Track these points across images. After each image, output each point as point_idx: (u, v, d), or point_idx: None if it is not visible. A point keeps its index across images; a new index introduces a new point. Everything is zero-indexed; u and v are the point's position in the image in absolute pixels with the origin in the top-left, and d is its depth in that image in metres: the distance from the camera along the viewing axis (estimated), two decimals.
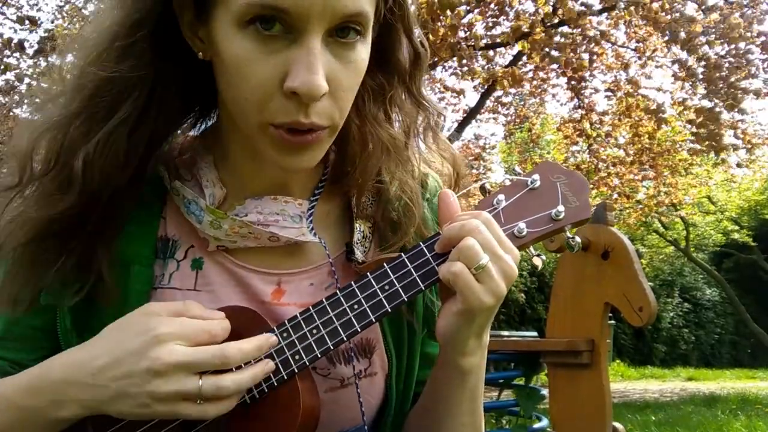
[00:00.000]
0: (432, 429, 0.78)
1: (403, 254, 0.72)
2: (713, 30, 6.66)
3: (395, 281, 0.71)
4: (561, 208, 0.74)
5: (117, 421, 0.69)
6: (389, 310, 0.70)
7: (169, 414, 0.65)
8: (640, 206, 11.40)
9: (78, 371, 0.66)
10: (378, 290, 0.70)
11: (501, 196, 0.75)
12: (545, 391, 3.47)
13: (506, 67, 7.68)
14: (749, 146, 8.80)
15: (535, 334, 6.45)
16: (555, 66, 7.74)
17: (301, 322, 0.71)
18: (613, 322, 11.07)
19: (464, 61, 6.51)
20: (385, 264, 0.71)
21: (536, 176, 0.75)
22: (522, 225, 0.73)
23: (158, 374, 0.63)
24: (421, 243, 0.72)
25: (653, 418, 7.36)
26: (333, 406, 0.76)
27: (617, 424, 3.01)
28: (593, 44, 7.45)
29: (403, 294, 0.70)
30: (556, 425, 3.18)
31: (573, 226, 0.74)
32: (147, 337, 0.65)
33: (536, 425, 3.97)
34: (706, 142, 7.55)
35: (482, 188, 0.77)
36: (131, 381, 0.64)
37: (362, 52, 0.70)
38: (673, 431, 6.55)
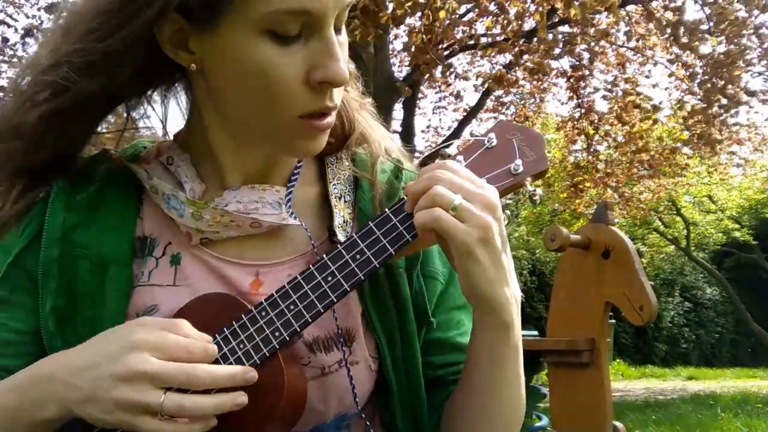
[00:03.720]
0: (481, 395, 0.77)
1: (370, 222, 0.73)
2: (711, 24, 6.66)
3: (365, 249, 0.72)
4: (518, 162, 0.76)
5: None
6: (362, 277, 0.71)
7: (130, 425, 0.64)
8: (641, 205, 11.42)
9: (60, 369, 0.67)
10: (349, 259, 0.72)
11: (460, 158, 0.77)
12: (545, 390, 3.47)
13: (505, 67, 7.67)
14: (743, 143, 8.83)
15: (535, 333, 6.45)
16: (555, 66, 7.74)
17: (278, 299, 0.72)
18: (613, 321, 11.09)
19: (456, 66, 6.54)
20: (354, 234, 0.73)
21: (492, 135, 0.78)
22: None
23: (124, 380, 0.63)
24: (387, 209, 0.74)
25: (653, 417, 7.36)
26: (316, 395, 0.76)
27: (618, 423, 3.00)
28: (593, 42, 7.45)
29: (374, 260, 0.71)
30: (556, 424, 3.17)
31: (533, 178, 0.76)
32: (123, 342, 0.65)
33: (537, 424, 3.97)
34: (699, 140, 7.57)
35: (442, 153, 0.78)
36: (100, 384, 0.64)
37: (345, 32, 0.75)
38: (673, 430, 6.55)
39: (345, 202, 0.84)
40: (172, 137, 0.89)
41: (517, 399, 0.78)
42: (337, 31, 0.72)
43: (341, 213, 0.82)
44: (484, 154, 0.77)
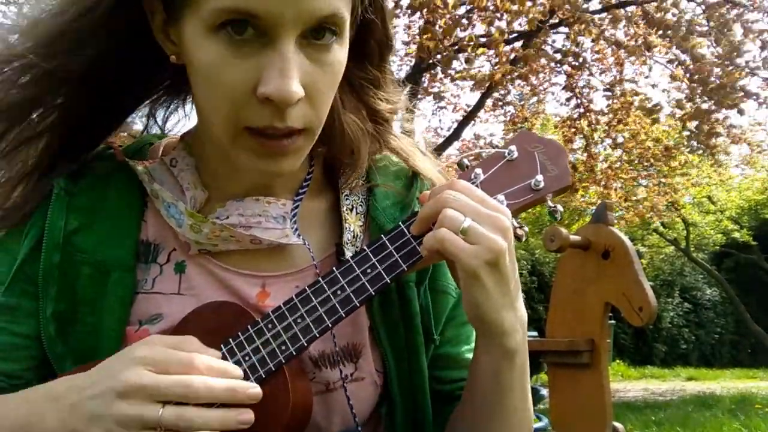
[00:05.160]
0: (484, 419, 0.75)
1: (383, 236, 0.71)
2: (709, 30, 6.65)
3: (377, 264, 0.70)
4: (540, 177, 0.73)
5: None
6: (372, 293, 0.69)
7: None
8: (641, 206, 11.42)
9: (68, 391, 0.65)
10: (360, 274, 0.69)
11: (478, 170, 0.74)
12: (545, 391, 3.46)
13: (512, 63, 7.65)
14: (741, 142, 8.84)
15: (535, 334, 6.43)
16: (553, 64, 7.74)
17: (285, 312, 0.70)
18: (613, 321, 11.09)
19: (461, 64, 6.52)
20: (366, 247, 0.71)
21: (513, 147, 0.74)
22: (501, 197, 0.72)
23: (121, 395, 0.61)
24: (400, 223, 0.71)
25: (653, 417, 7.36)
26: (320, 410, 0.75)
27: (617, 424, 3.00)
28: (593, 43, 7.45)
29: (385, 276, 0.69)
30: (556, 425, 3.17)
31: (554, 194, 0.73)
32: (123, 359, 0.63)
33: (536, 425, 3.97)
34: (700, 140, 7.56)
35: (460, 164, 0.76)
36: (100, 402, 0.62)
37: (339, 53, 0.68)
38: (673, 431, 6.55)
39: (357, 213, 0.82)
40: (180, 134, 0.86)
41: (522, 422, 0.75)
42: (319, 40, 0.65)
43: (351, 227, 0.80)
44: (505, 167, 0.74)
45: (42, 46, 0.70)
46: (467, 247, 0.65)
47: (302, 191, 0.81)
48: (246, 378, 0.68)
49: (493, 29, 6.66)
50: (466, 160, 0.75)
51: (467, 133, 10.41)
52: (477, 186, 0.72)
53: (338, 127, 0.79)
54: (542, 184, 0.73)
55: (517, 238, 0.71)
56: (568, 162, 0.75)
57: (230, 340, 0.70)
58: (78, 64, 0.71)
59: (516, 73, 7.10)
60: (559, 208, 0.73)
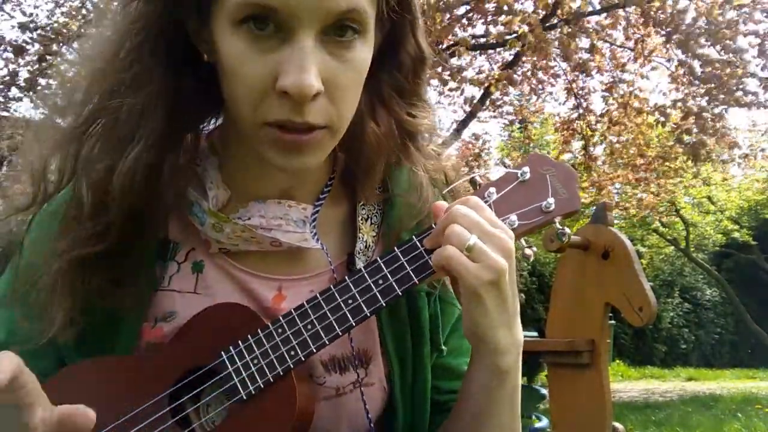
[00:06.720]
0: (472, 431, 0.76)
1: (396, 248, 0.72)
2: (704, 29, 6.64)
3: (389, 275, 0.71)
4: (551, 200, 0.74)
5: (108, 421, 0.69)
6: (383, 304, 0.70)
7: None
8: (641, 207, 11.43)
9: None
10: (372, 284, 0.71)
11: (492, 189, 0.75)
12: (545, 391, 3.47)
13: (505, 68, 7.66)
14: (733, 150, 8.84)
15: (535, 334, 6.43)
16: (553, 65, 7.74)
17: (296, 317, 0.71)
18: (613, 322, 11.08)
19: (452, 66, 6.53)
20: (378, 258, 0.72)
21: (526, 168, 0.76)
22: (513, 217, 0.74)
23: None
24: (414, 236, 0.72)
25: (653, 418, 7.37)
26: (328, 415, 0.76)
27: (617, 424, 3.00)
28: (591, 42, 7.44)
29: (397, 288, 0.70)
30: (556, 425, 3.18)
31: (563, 217, 0.75)
32: None
33: (536, 425, 3.98)
34: (690, 145, 7.55)
35: (472, 181, 0.77)
36: None
37: (362, 50, 0.69)
38: (673, 431, 6.55)
39: (372, 223, 0.83)
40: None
41: None
42: (341, 37, 0.66)
43: (364, 237, 0.81)
44: (517, 187, 0.75)
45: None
46: (471, 266, 0.66)
47: (323, 196, 0.82)
48: (254, 382, 0.69)
49: (492, 29, 6.67)
50: (478, 178, 0.77)
51: (466, 133, 10.41)
52: (490, 205, 0.73)
53: (359, 136, 0.79)
54: (552, 207, 0.74)
55: (525, 257, 0.73)
56: (578, 186, 0.77)
57: (239, 342, 0.71)
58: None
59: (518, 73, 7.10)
60: (567, 230, 0.76)
